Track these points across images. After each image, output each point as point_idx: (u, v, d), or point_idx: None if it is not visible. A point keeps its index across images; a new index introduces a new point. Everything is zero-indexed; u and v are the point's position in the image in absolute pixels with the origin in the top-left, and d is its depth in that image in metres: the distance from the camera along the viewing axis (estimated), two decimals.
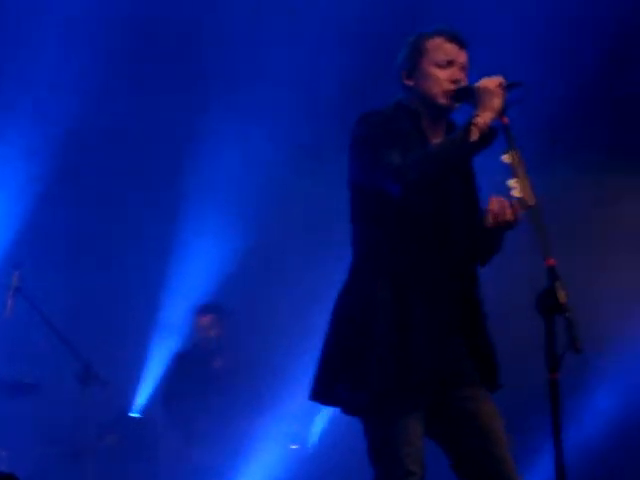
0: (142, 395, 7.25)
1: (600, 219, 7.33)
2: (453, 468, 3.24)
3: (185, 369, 6.96)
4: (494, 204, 3.14)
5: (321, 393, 3.22)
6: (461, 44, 3.28)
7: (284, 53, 6.84)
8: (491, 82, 3.10)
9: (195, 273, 7.51)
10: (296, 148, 7.29)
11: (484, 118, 3.05)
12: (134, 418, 7.08)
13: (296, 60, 6.83)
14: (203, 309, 7.07)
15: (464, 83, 3.24)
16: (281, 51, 6.84)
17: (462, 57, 3.27)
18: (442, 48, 3.26)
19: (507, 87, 3.10)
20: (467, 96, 3.17)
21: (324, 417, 6.90)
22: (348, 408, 3.22)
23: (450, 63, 3.25)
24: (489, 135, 3.05)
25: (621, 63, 6.93)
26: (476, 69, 3.29)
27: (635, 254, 7.21)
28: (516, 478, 3.17)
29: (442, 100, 3.24)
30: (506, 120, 3.06)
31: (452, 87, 3.22)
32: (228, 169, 7.43)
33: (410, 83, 3.30)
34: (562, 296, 2.82)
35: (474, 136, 3.03)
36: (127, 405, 7.21)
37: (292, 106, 6.98)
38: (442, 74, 3.24)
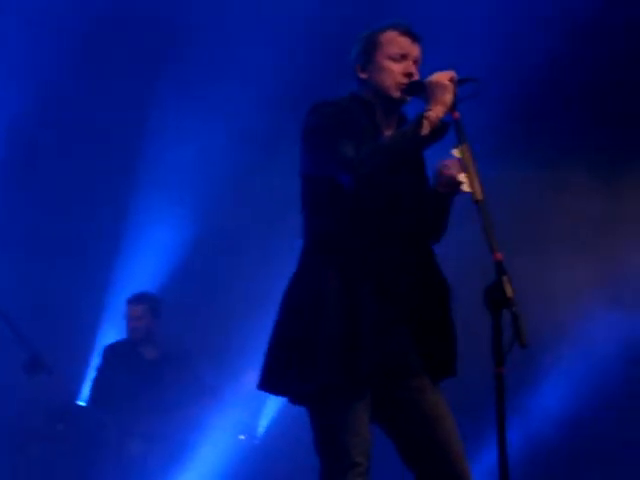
0: (90, 384, 7.20)
1: (549, 215, 7.39)
2: (400, 455, 3.25)
3: (114, 361, 6.87)
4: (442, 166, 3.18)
5: (269, 382, 3.22)
6: (414, 38, 3.30)
7: (240, 50, 6.84)
8: (443, 76, 3.12)
9: (147, 264, 7.47)
10: (250, 140, 7.27)
11: (435, 112, 3.07)
12: (82, 407, 7.03)
13: (250, 57, 6.83)
14: (134, 298, 6.98)
15: (416, 77, 3.26)
16: (237, 48, 6.84)
17: (415, 51, 3.29)
18: (396, 41, 3.27)
19: (459, 82, 3.12)
20: (419, 90, 3.19)
21: (272, 407, 6.90)
22: (295, 398, 3.22)
23: (403, 57, 3.27)
24: (440, 129, 3.07)
25: (576, 60, 6.99)
26: (430, 65, 3.31)
27: (584, 251, 7.27)
28: (463, 463, 3.18)
29: (395, 93, 3.26)
30: (457, 115, 3.08)
31: (405, 80, 3.24)
32: (182, 161, 7.40)
33: (364, 76, 3.31)
34: (509, 290, 2.84)
35: (425, 130, 3.05)
36: (75, 394, 7.16)
37: (245, 99, 6.98)
38: (396, 67, 3.26)
